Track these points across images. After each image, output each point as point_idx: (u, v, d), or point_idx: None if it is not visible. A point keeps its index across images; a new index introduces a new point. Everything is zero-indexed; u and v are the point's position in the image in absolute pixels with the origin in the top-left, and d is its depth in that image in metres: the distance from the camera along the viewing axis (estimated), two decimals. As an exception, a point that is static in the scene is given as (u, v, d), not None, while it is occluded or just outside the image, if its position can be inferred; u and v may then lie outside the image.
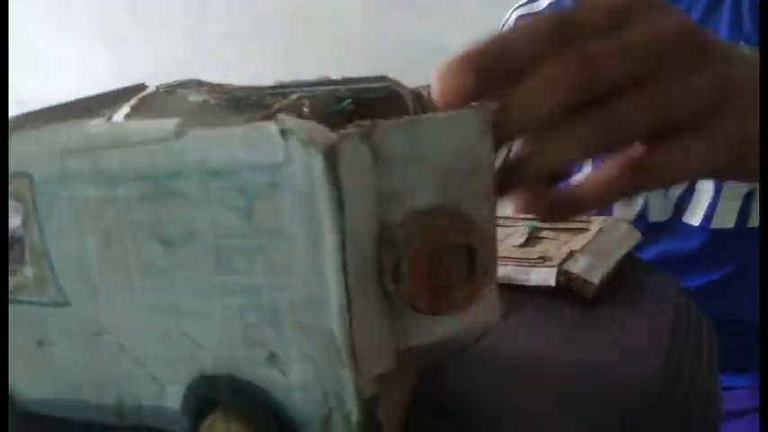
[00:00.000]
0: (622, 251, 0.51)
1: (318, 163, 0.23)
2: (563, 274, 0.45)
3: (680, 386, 0.38)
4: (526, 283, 0.46)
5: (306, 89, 0.33)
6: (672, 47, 0.27)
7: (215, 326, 0.27)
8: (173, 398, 0.29)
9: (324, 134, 0.23)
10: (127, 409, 0.31)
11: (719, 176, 0.35)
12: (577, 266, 0.46)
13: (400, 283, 0.25)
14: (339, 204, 0.23)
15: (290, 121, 0.23)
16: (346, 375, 0.25)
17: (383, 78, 0.33)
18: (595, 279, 0.45)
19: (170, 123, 0.25)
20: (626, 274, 0.49)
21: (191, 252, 0.26)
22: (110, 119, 0.37)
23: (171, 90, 0.36)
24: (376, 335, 0.26)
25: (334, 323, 0.25)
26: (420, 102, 0.33)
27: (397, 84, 0.33)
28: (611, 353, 0.38)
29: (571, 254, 0.47)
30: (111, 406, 0.31)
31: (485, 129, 0.26)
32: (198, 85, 0.36)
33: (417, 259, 0.25)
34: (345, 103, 0.32)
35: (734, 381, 0.70)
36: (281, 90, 0.33)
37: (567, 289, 0.45)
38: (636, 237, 0.54)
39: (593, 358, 0.38)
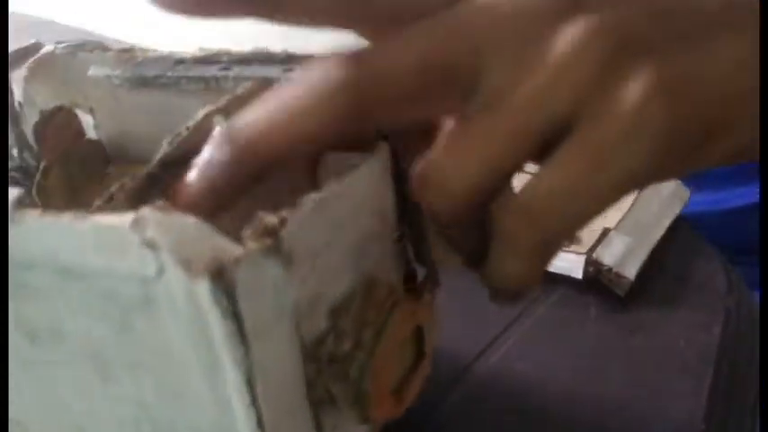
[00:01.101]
0: (666, 222, 0.42)
1: (204, 290, 0.15)
2: (592, 264, 0.38)
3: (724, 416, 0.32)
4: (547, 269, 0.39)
5: (232, 69, 0.25)
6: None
7: (112, 430, 0.21)
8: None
9: (210, 246, 0.15)
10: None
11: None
12: (611, 254, 0.38)
13: (361, 404, 0.18)
14: (240, 338, 0.16)
15: (155, 222, 0.15)
16: None
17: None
18: (630, 273, 0.37)
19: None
20: (668, 255, 0.41)
21: (63, 352, 0.19)
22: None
23: (71, 52, 0.29)
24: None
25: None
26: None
27: None
28: (642, 383, 0.31)
29: (605, 233, 0.39)
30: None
31: (387, 174, 0.20)
32: (101, 49, 0.29)
33: (379, 370, 0.18)
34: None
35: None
36: (199, 68, 0.26)
37: (596, 280, 0.38)
38: (683, 197, 0.45)
39: (618, 389, 0.31)
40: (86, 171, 0.32)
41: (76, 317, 0.18)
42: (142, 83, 0.27)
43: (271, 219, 0.16)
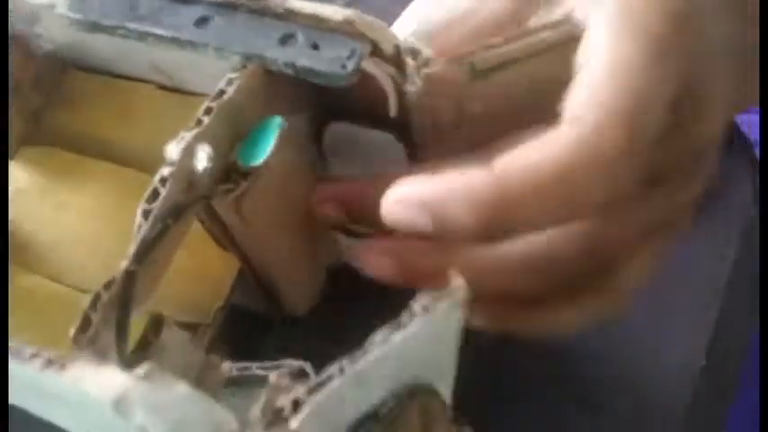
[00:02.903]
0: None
1: None
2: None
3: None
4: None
5: (213, 20, 0.20)
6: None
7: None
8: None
9: (206, 425, 0.13)
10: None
11: None
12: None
13: None
14: None
15: (142, 403, 0.13)
16: None
17: (348, 24, 0.20)
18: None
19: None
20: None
21: (60, 417, 0.18)
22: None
23: None
24: None
25: None
26: (399, 83, 0.20)
27: (369, 42, 0.20)
28: (653, 312, 0.30)
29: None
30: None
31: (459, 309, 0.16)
32: None
33: None
34: (273, 129, 0.19)
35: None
36: (172, 11, 0.21)
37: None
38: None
39: (628, 318, 0.30)
40: (44, 89, 0.28)
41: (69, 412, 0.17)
42: (97, 29, 0.22)
43: (283, 400, 0.14)
